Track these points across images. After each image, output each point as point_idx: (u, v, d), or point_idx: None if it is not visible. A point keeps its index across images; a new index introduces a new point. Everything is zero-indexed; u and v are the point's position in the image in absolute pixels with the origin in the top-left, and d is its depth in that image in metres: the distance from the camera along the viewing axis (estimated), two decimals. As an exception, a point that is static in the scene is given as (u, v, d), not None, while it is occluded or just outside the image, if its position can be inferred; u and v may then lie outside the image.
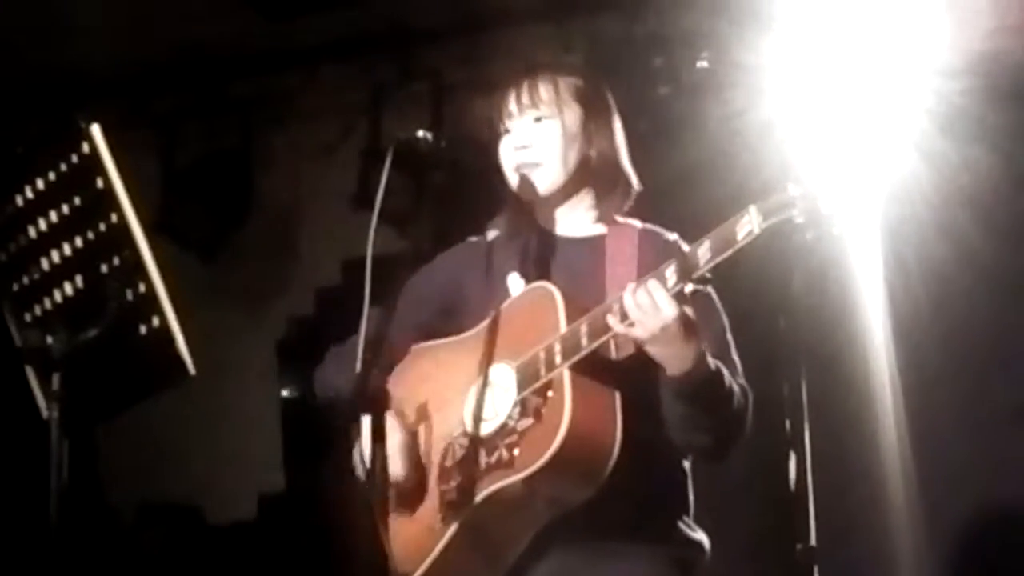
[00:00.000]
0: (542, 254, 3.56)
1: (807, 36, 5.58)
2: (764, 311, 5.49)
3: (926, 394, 5.69)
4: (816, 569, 5.68)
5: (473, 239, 3.71)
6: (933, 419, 5.68)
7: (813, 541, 5.67)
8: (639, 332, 3.19)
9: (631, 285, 3.20)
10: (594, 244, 3.54)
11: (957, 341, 5.64)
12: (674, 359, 3.23)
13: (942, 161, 5.42)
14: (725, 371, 3.32)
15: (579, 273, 3.49)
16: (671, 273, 3.18)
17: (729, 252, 3.11)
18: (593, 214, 3.60)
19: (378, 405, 3.43)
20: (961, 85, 5.44)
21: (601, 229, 3.59)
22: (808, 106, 5.57)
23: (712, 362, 3.28)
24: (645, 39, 6.11)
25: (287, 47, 6.81)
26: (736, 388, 3.35)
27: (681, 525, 3.46)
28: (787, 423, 5.80)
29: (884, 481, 5.71)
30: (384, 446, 3.56)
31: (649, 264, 3.37)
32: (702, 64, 5.95)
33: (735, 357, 3.46)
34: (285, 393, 6.94)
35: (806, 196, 3.04)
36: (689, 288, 3.17)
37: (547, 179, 3.54)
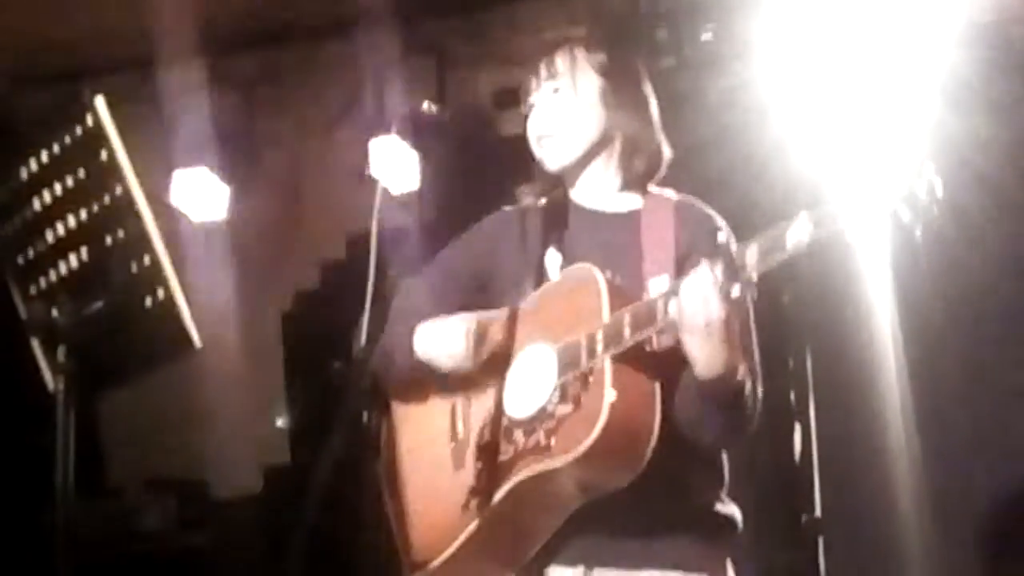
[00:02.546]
0: (578, 230, 3.53)
1: (812, 8, 5.57)
2: (769, 284, 5.50)
3: (930, 366, 5.70)
4: (820, 540, 5.72)
5: (507, 208, 3.68)
6: (937, 392, 5.68)
7: (818, 512, 5.71)
8: (683, 320, 3.15)
9: (685, 278, 3.16)
10: (629, 219, 3.51)
11: (962, 315, 5.64)
12: (707, 359, 3.20)
13: (948, 134, 5.41)
14: (748, 379, 3.31)
15: (616, 250, 3.45)
16: (719, 272, 3.13)
17: (778, 260, 3.07)
18: (622, 185, 3.56)
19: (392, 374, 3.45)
20: (968, 57, 5.43)
21: (636, 202, 3.56)
22: (813, 78, 5.57)
23: (741, 371, 3.26)
24: (649, 12, 6.10)
25: (291, 21, 6.80)
26: (752, 393, 3.32)
27: (716, 502, 3.46)
28: (792, 396, 5.83)
29: (888, 453, 5.72)
30: (390, 419, 3.59)
31: (686, 240, 3.35)
32: (706, 37, 5.95)
33: (755, 350, 3.42)
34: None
35: (858, 209, 3.00)
36: (736, 292, 3.13)
37: (563, 150, 3.52)
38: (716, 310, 3.11)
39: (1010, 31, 5.62)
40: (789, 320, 5.80)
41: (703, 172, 5.12)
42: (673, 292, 3.17)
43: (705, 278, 3.11)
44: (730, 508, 3.48)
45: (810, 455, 5.76)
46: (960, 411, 5.63)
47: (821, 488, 5.71)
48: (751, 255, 3.09)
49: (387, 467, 3.57)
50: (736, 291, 3.11)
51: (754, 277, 3.11)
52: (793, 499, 5.72)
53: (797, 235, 3.03)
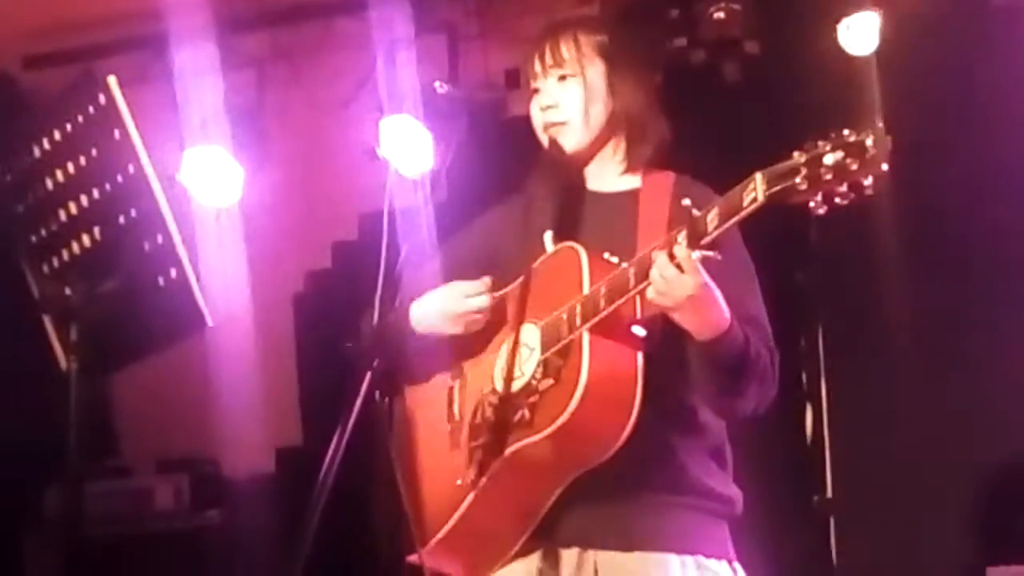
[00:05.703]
0: (576, 211, 3.56)
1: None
2: (781, 264, 5.50)
3: (944, 347, 5.70)
4: (832, 520, 5.73)
5: (511, 198, 3.70)
6: (950, 370, 5.68)
7: (829, 492, 5.72)
8: (665, 302, 3.19)
9: (652, 253, 3.20)
10: (628, 198, 3.53)
11: (978, 296, 5.65)
12: (701, 326, 3.23)
13: (962, 120, 5.42)
14: (752, 338, 3.32)
15: (612, 229, 3.48)
16: (682, 238, 3.17)
17: (735, 219, 3.10)
18: (624, 167, 3.59)
19: (394, 356, 3.46)
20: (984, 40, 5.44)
21: (635, 183, 3.58)
22: (823, 56, 5.57)
23: (741, 330, 3.27)
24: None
25: (302, 0, 6.81)
26: (763, 353, 3.34)
27: (715, 480, 3.46)
28: (803, 376, 5.84)
29: (900, 434, 5.72)
30: (402, 399, 3.60)
31: (680, 217, 3.37)
32: (718, 15, 5.94)
33: (764, 319, 3.44)
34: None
35: (810, 162, 3.02)
36: (696, 255, 3.16)
37: (573, 137, 3.54)
38: (691, 284, 3.14)
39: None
40: (801, 301, 5.80)
41: (715, 150, 5.13)
42: (643, 261, 3.21)
43: (679, 254, 3.15)
44: (731, 489, 3.49)
45: (822, 436, 5.77)
46: (975, 392, 5.63)
47: (832, 469, 5.71)
48: (712, 218, 3.13)
49: (400, 447, 3.58)
50: (696, 255, 3.14)
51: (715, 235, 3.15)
52: (804, 480, 5.73)
53: (752, 194, 3.07)
